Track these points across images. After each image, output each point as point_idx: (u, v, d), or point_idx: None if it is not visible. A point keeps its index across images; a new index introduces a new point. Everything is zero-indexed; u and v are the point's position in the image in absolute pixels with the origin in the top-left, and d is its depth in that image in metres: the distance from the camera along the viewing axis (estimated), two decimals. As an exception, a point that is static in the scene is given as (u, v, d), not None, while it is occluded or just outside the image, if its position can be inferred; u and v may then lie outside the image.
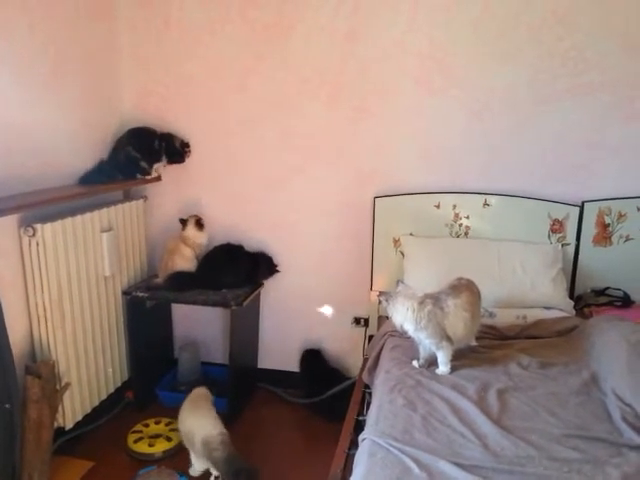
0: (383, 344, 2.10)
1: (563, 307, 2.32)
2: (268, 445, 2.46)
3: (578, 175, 2.46)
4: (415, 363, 1.88)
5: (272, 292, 2.86)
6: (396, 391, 1.69)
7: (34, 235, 2.04)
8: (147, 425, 2.50)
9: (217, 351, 3.00)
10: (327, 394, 2.62)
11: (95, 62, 2.54)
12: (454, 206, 2.53)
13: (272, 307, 2.89)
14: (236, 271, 2.64)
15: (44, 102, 2.23)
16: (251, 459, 2.30)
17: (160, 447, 2.34)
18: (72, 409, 2.28)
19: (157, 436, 2.41)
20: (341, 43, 2.51)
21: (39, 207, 2.05)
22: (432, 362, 1.85)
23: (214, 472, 2.11)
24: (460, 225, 2.55)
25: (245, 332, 2.75)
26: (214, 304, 2.52)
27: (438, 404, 1.61)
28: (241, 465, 2.00)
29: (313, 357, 2.82)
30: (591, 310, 2.34)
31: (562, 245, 2.48)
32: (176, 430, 2.33)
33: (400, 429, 1.48)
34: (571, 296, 2.46)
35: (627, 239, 2.44)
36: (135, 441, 2.37)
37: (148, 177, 2.64)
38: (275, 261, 2.78)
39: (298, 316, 2.87)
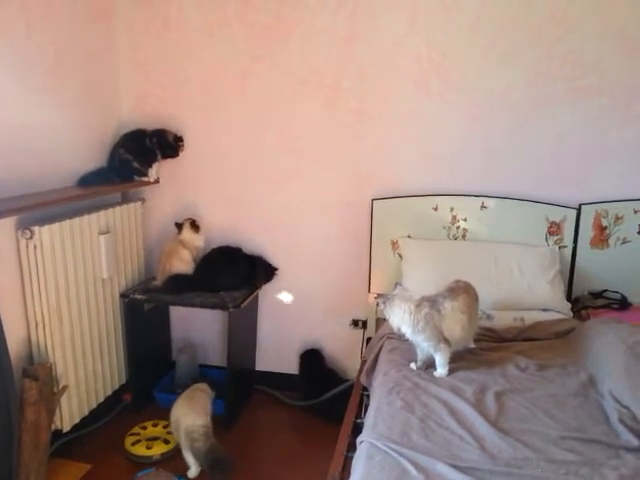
0: (381, 346, 2.10)
1: (560, 309, 2.32)
2: (266, 447, 2.46)
3: (575, 178, 2.47)
4: (413, 365, 1.88)
5: (270, 294, 2.86)
6: (394, 393, 1.69)
7: (32, 237, 2.03)
8: (145, 428, 2.50)
9: (215, 353, 3.00)
10: (325, 396, 2.62)
11: (94, 63, 2.55)
12: (452, 208, 2.54)
13: (270, 309, 2.89)
14: (234, 273, 2.63)
15: (42, 103, 2.23)
16: (249, 461, 2.30)
17: (158, 449, 2.33)
18: (69, 411, 2.27)
19: (155, 439, 2.41)
20: (339, 46, 2.51)
21: (36, 209, 2.05)
22: (430, 364, 1.85)
23: (193, 465, 2.13)
24: (458, 227, 2.55)
25: (243, 334, 2.75)
26: (212, 306, 2.52)
27: (436, 406, 1.61)
28: (218, 455, 2.02)
29: (312, 358, 2.82)
30: (588, 312, 2.34)
31: (559, 247, 2.49)
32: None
33: (398, 431, 1.48)
34: (568, 298, 2.46)
35: (624, 241, 2.45)
36: (133, 444, 2.37)
37: (145, 178, 2.64)
38: (274, 266, 2.78)
39: (296, 318, 2.87)
